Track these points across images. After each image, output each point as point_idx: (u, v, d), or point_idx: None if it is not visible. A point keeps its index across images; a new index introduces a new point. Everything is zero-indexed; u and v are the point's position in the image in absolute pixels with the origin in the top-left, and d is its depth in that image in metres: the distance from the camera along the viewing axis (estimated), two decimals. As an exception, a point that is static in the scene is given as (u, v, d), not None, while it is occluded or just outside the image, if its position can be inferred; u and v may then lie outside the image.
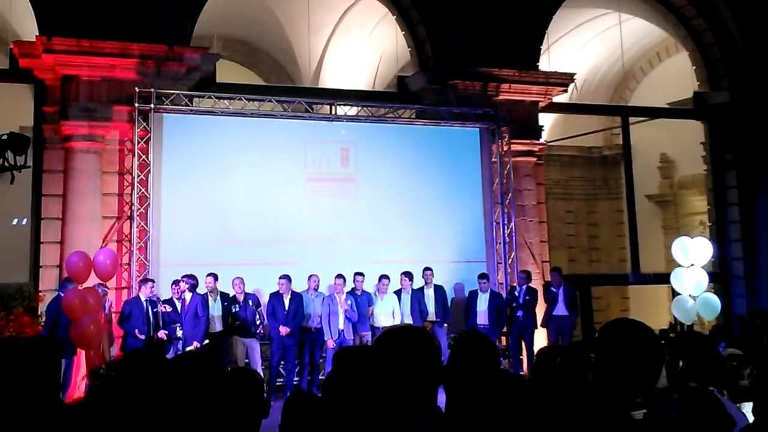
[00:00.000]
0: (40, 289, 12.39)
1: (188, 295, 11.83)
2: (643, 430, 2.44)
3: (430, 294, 13.26)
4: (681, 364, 3.58)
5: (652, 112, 18.84)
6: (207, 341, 11.66)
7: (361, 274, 12.93)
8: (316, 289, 12.68)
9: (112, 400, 2.13)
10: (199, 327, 11.66)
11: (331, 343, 12.20)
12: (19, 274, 12.95)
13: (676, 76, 19.20)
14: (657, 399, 3.25)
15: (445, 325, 13.21)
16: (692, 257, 14.42)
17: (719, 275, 17.26)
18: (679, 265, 14.57)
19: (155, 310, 11.68)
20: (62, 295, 10.97)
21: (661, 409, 2.56)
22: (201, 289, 12.05)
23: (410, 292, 13.08)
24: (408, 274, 13.11)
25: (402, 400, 2.57)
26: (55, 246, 12.65)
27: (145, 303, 11.63)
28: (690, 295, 14.37)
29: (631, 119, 18.41)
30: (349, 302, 12.47)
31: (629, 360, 2.50)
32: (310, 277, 12.68)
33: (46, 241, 12.74)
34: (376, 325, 12.57)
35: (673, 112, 18.59)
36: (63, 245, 12.55)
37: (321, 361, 12.70)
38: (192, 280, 11.91)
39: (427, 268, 13.32)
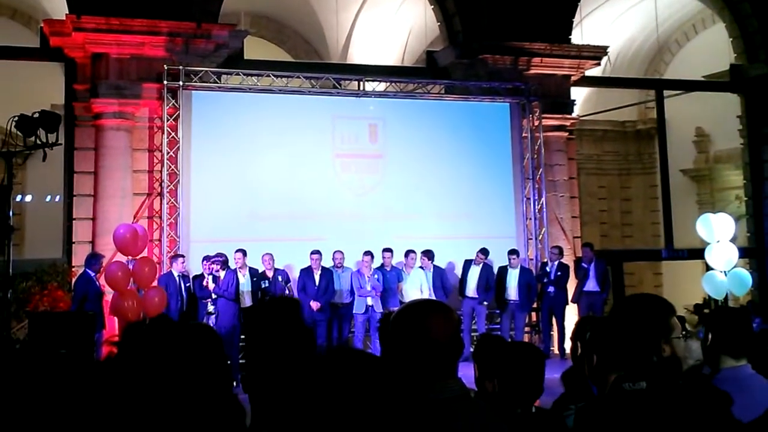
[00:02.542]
0: (73, 264, 12.57)
1: (222, 273, 11.93)
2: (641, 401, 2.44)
3: (475, 272, 13.24)
4: (710, 337, 3.51)
5: (687, 86, 18.50)
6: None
7: (389, 250, 12.93)
8: (340, 267, 12.70)
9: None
10: (231, 303, 11.79)
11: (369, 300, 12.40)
12: (53, 250, 13.16)
13: (712, 49, 18.80)
14: (685, 375, 3.19)
15: (485, 303, 13.20)
16: (717, 233, 14.18)
17: (755, 250, 16.99)
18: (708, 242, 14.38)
19: (187, 285, 11.89)
20: (89, 271, 11.13)
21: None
22: (231, 265, 12.15)
23: (432, 269, 13.06)
24: (427, 253, 13.08)
25: (420, 372, 2.54)
26: (88, 222, 12.82)
27: (177, 278, 11.78)
28: (721, 271, 14.15)
29: (666, 93, 18.09)
30: (376, 276, 12.52)
31: (629, 331, 2.52)
32: (334, 254, 12.69)
33: (79, 218, 12.91)
34: (405, 301, 12.57)
35: (709, 85, 18.25)
36: (95, 221, 12.72)
37: (350, 335, 12.75)
38: (222, 257, 12.02)
39: (480, 250, 13.24)
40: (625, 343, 2.57)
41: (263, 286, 12.17)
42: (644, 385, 2.50)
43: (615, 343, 2.63)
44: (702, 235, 14.24)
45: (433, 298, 12.05)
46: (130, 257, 11.43)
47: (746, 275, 14.29)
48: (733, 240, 14.53)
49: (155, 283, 11.58)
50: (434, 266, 13.12)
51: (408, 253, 13.00)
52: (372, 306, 12.47)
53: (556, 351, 13.29)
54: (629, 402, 2.48)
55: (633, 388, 2.50)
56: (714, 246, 14.13)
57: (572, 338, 3.91)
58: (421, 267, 13.06)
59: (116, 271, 11.02)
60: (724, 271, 14.20)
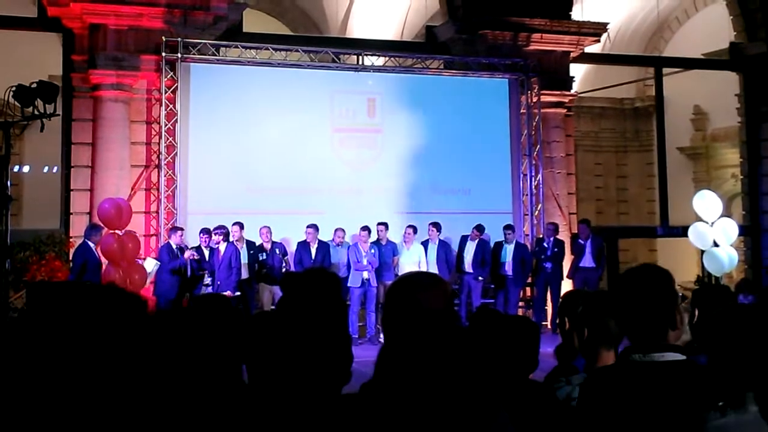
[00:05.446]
0: (70, 235, 12.62)
1: (223, 246, 11.99)
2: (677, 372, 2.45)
3: (471, 248, 13.33)
4: (696, 314, 3.57)
5: (686, 63, 18.47)
6: (238, 292, 11.89)
7: (384, 224, 12.98)
8: (340, 245, 12.76)
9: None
10: (232, 276, 11.86)
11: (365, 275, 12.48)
12: (51, 221, 13.20)
13: (713, 27, 18.74)
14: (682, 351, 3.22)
15: (480, 278, 13.30)
16: (711, 211, 14.20)
17: (750, 228, 17.07)
18: (700, 220, 14.39)
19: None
20: (88, 242, 11.17)
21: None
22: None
23: (437, 242, 13.15)
24: (435, 225, 13.17)
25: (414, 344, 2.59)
26: (85, 193, 12.85)
27: (176, 250, 11.84)
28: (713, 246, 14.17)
29: (665, 70, 18.07)
30: (372, 251, 12.59)
31: (641, 300, 2.53)
32: (336, 231, 12.73)
33: (76, 189, 12.94)
34: (400, 275, 12.63)
35: (708, 63, 18.21)
36: (92, 193, 12.75)
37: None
38: (224, 230, 12.08)
39: (476, 227, 13.31)
40: (636, 312, 2.58)
41: (261, 258, 12.26)
42: (655, 357, 2.50)
43: (623, 312, 2.63)
44: (699, 212, 14.28)
45: (435, 272, 12.12)
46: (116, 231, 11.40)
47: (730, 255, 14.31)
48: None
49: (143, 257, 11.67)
50: (439, 239, 13.21)
51: (407, 228, 13.05)
52: (368, 280, 12.57)
53: (549, 326, 13.40)
54: (639, 374, 2.49)
55: (643, 360, 2.49)
56: (700, 224, 14.17)
57: (559, 313, 3.96)
58: (422, 243, 13.11)
59: (112, 243, 11.04)
60: (703, 250, 14.30)
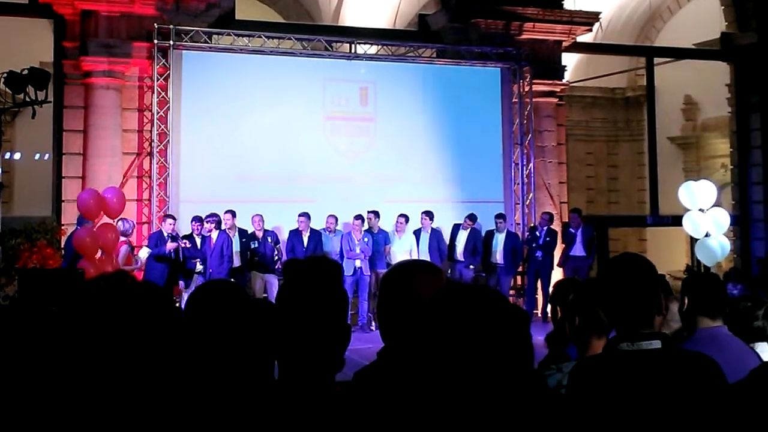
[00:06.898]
0: (62, 222, 12.60)
1: (215, 234, 12.00)
2: (658, 360, 2.48)
3: (463, 237, 13.39)
4: (687, 301, 3.61)
5: (677, 53, 18.51)
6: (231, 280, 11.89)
7: (374, 212, 13.01)
8: (333, 231, 12.80)
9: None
10: (223, 264, 11.88)
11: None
12: (42, 208, 13.16)
13: (704, 17, 18.78)
14: (669, 338, 3.28)
15: (471, 267, 13.37)
16: (699, 201, 14.26)
17: (739, 218, 17.19)
18: (688, 209, 14.45)
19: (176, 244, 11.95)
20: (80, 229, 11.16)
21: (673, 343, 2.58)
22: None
23: (429, 231, 13.21)
24: (428, 213, 13.22)
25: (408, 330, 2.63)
26: (77, 181, 12.80)
27: (167, 238, 11.84)
28: (706, 236, 14.23)
29: (656, 60, 18.11)
30: (366, 239, 12.64)
31: (626, 289, 2.55)
32: (328, 218, 12.78)
33: (68, 176, 12.90)
34: (392, 263, 12.69)
35: (699, 53, 18.25)
36: (84, 180, 12.71)
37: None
38: (216, 218, 12.09)
39: (468, 216, 13.39)
40: (622, 301, 2.59)
41: (253, 246, 12.28)
42: (643, 345, 2.51)
43: (609, 302, 2.63)
44: (684, 202, 14.35)
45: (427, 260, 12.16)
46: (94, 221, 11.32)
47: (722, 243, 14.37)
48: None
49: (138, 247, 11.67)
50: (432, 228, 13.26)
51: (399, 217, 13.09)
52: (360, 268, 12.63)
53: (539, 314, 13.49)
54: (627, 362, 2.49)
55: (632, 348, 2.50)
56: (693, 213, 14.24)
57: (551, 301, 3.98)
58: (414, 232, 13.16)
59: (84, 237, 10.87)
60: (696, 239, 14.35)
